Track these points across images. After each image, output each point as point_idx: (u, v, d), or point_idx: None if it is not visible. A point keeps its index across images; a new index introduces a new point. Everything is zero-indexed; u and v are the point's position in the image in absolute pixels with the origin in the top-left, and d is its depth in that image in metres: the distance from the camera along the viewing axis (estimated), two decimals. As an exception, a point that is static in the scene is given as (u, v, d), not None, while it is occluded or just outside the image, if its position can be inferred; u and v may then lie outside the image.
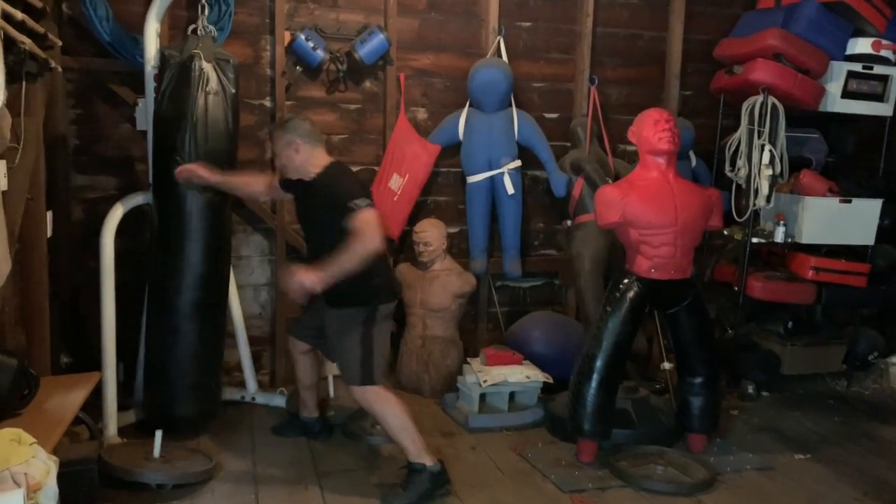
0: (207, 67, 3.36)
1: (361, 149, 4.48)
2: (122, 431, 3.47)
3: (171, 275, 3.43)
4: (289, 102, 4.25)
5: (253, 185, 3.48)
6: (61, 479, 2.23)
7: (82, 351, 3.87)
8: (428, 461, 3.07)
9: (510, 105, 4.43)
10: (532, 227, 4.82)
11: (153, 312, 3.56)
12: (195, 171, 3.25)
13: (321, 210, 3.07)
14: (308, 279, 2.82)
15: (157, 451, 3.13)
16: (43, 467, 2.16)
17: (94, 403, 3.32)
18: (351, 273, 2.86)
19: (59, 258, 3.73)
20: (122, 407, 3.56)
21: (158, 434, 3.14)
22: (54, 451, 2.44)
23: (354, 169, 4.38)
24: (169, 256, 3.44)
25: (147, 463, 3.09)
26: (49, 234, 3.45)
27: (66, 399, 2.92)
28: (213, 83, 3.38)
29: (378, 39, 4.20)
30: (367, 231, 2.87)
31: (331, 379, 3.98)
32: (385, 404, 3.09)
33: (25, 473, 2.08)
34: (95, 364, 3.49)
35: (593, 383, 3.41)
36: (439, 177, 4.60)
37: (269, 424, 3.77)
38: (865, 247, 4.54)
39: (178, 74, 3.36)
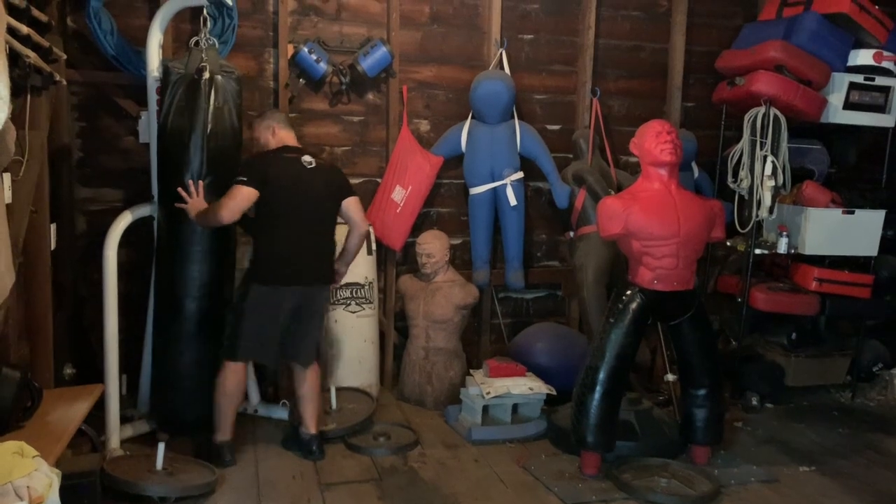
0: (217, 80, 3.38)
1: (364, 161, 4.49)
2: (125, 443, 3.47)
3: (177, 284, 3.46)
4: (292, 115, 4.27)
5: None
6: (64, 491, 2.23)
7: (86, 362, 3.88)
8: (218, 437, 3.45)
9: (512, 117, 4.45)
10: (535, 238, 4.83)
11: (160, 321, 3.58)
12: None
13: None
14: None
15: (160, 464, 3.12)
16: (45, 480, 2.15)
17: (97, 415, 3.32)
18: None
19: (62, 270, 3.74)
20: (125, 419, 3.56)
21: (161, 446, 3.14)
22: (57, 464, 2.44)
23: (357, 181, 4.41)
24: (175, 266, 3.47)
25: (150, 475, 3.08)
26: (53, 246, 3.46)
27: (69, 411, 2.92)
28: (220, 95, 3.40)
29: (381, 52, 4.22)
30: (221, 201, 3.23)
31: (333, 391, 3.98)
32: (221, 377, 3.40)
33: (28, 486, 2.08)
34: (99, 375, 3.49)
35: (596, 395, 3.40)
36: (442, 188, 4.61)
37: (272, 436, 3.76)
38: (869, 258, 4.54)
39: (185, 87, 3.38)
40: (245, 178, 3.25)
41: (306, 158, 3.42)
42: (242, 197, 3.24)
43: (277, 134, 3.51)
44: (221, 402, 3.42)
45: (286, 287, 3.38)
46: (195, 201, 3.31)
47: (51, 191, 3.43)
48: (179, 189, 3.29)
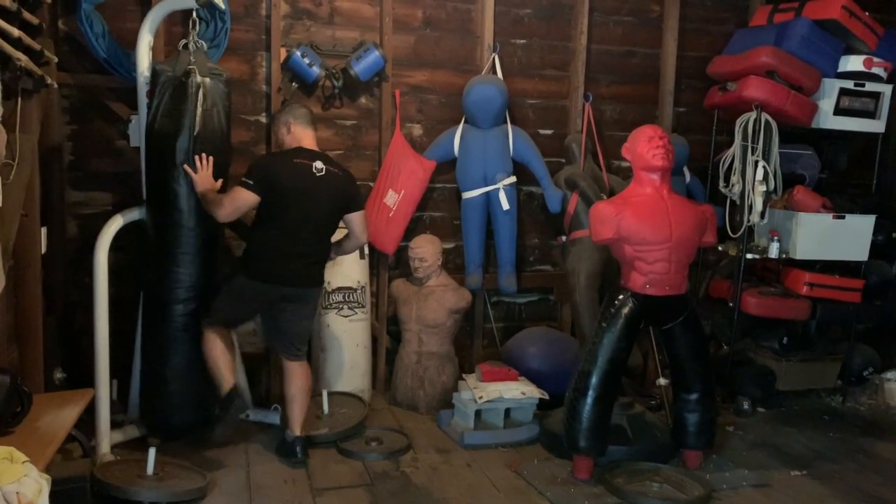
0: (203, 82, 3.37)
1: (357, 165, 4.48)
2: (115, 448, 3.45)
3: (165, 287, 3.45)
4: (284, 119, 4.26)
5: None
6: (54, 497, 2.22)
7: (77, 367, 3.85)
8: (224, 388, 3.38)
9: (505, 121, 4.45)
10: (527, 242, 4.83)
11: (148, 324, 3.56)
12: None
13: None
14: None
15: (151, 469, 3.11)
16: (35, 486, 2.14)
17: (87, 420, 3.30)
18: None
19: (53, 274, 3.72)
20: (115, 424, 3.54)
21: (152, 451, 3.12)
22: (47, 470, 2.43)
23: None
24: (163, 269, 3.45)
25: (140, 481, 3.06)
26: (43, 250, 3.44)
27: (59, 416, 2.90)
28: (209, 98, 3.39)
29: (373, 56, 4.22)
30: (223, 200, 3.29)
31: (325, 396, 3.97)
32: (203, 343, 3.40)
33: (17, 492, 2.06)
34: (90, 380, 3.46)
35: (589, 399, 3.40)
36: (435, 192, 4.61)
37: (264, 441, 3.74)
38: (859, 262, 4.56)
39: (173, 89, 3.37)
40: (250, 182, 3.28)
41: (318, 165, 3.39)
42: (243, 201, 3.28)
43: (293, 132, 3.49)
44: (208, 358, 3.41)
45: (269, 285, 3.40)
46: (202, 175, 3.33)
47: (41, 194, 3.42)
48: (185, 166, 3.34)
